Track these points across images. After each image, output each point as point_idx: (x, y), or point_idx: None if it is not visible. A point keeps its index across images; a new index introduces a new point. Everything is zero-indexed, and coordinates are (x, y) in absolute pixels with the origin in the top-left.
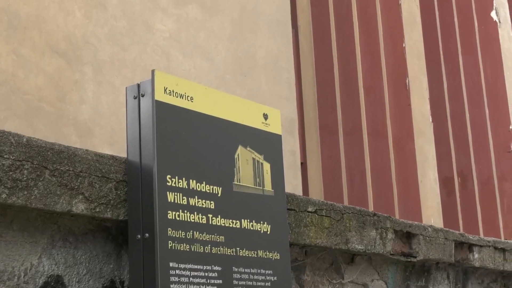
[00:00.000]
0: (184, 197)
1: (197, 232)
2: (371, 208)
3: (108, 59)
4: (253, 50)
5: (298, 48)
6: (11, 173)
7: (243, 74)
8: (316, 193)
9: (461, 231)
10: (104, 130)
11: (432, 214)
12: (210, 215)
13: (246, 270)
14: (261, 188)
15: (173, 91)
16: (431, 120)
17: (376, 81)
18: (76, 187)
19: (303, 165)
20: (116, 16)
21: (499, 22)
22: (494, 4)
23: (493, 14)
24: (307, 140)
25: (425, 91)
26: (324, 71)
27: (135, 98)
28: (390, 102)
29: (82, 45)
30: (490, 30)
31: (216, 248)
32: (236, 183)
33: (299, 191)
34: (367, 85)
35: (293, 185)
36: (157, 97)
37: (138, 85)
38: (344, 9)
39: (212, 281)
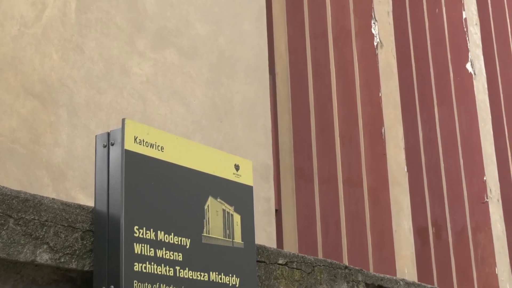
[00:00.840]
0: (151, 249)
1: (164, 285)
2: (345, 257)
3: (84, 102)
4: (230, 96)
5: (275, 95)
6: None
7: (219, 120)
8: (290, 240)
9: (435, 281)
10: (77, 173)
11: (406, 264)
12: (177, 267)
13: None
14: (231, 240)
15: (143, 140)
16: (406, 170)
17: (352, 130)
18: (41, 236)
19: (278, 212)
20: (93, 59)
21: (474, 74)
22: (469, 57)
23: (468, 66)
24: (282, 187)
25: (400, 140)
26: (301, 118)
27: (104, 146)
28: (366, 151)
29: (58, 88)
30: (465, 81)
31: None
32: (205, 234)
33: (273, 239)
34: (343, 133)
35: (267, 232)
36: (126, 147)
37: (108, 134)
38: (321, 57)
39: None
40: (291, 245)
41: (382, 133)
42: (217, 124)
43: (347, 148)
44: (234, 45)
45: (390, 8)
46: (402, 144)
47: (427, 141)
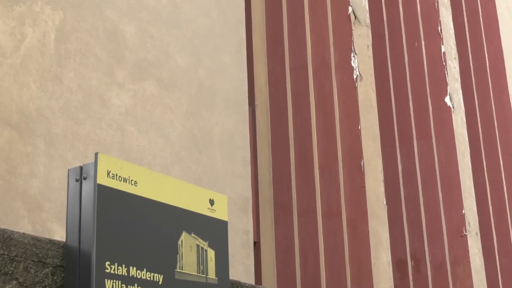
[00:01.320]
0: (123, 285)
1: None
2: None
3: (62, 133)
4: (209, 127)
5: (254, 127)
6: None
7: (198, 151)
8: (269, 273)
9: None
10: (53, 204)
11: None
12: None
13: None
14: (205, 276)
15: (116, 175)
16: (385, 203)
17: (331, 162)
18: (10, 272)
19: (256, 244)
20: (72, 89)
21: (453, 107)
22: (448, 90)
23: (447, 99)
24: (261, 219)
25: (379, 173)
26: (280, 150)
27: (77, 181)
28: (345, 183)
29: (35, 118)
30: (444, 115)
31: None
32: (178, 270)
33: (251, 271)
34: (322, 166)
35: (245, 265)
36: (99, 181)
37: (81, 168)
38: (301, 90)
39: None
40: (269, 278)
41: (361, 165)
42: (196, 155)
43: (326, 180)
44: (214, 77)
45: (369, 41)
46: (381, 176)
47: (406, 174)
